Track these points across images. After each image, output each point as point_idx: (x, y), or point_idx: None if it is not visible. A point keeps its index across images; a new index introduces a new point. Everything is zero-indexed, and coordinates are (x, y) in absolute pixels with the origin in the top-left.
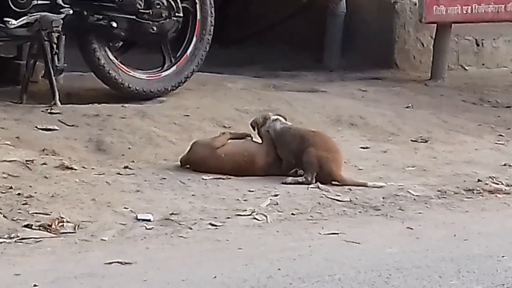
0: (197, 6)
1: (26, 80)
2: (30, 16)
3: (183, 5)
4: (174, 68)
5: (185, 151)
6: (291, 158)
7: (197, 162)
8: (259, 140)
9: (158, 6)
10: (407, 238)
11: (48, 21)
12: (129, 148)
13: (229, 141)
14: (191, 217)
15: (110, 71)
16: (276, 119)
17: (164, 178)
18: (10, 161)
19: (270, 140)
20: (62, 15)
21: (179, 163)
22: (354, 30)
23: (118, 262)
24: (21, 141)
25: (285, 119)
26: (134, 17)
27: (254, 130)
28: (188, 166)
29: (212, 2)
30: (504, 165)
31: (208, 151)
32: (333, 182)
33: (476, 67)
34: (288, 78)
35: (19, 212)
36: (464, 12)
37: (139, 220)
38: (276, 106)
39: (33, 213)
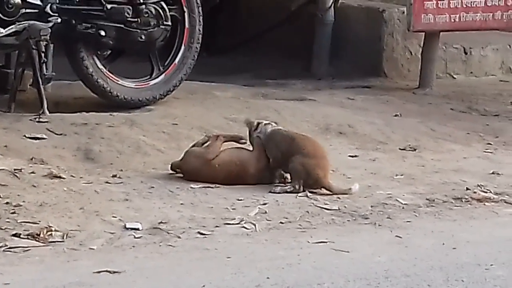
0: (185, 14)
1: (14, 89)
2: (18, 24)
3: (172, 13)
4: (162, 76)
5: (179, 158)
6: (279, 158)
7: (190, 172)
8: (250, 143)
9: (146, 15)
10: (396, 246)
11: (36, 29)
12: (118, 156)
13: (223, 148)
14: (180, 225)
15: (98, 80)
16: (268, 123)
17: (153, 187)
18: None
19: (260, 146)
20: (50, 24)
21: (169, 169)
22: (342, 38)
23: (106, 271)
24: (9, 149)
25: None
26: (122, 25)
27: (248, 129)
28: (176, 172)
29: (201, 11)
30: (493, 173)
31: (202, 162)
32: (321, 190)
33: (464, 75)
34: (277, 86)
35: (7, 221)
36: (452, 20)
37: (127, 229)
38: (265, 115)
39: (22, 222)
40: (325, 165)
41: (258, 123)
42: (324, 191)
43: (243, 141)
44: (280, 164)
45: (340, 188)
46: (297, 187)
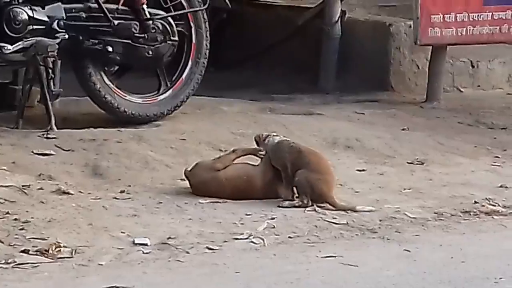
0: (192, 30)
1: (22, 105)
2: (26, 41)
3: (179, 29)
4: (170, 92)
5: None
6: (287, 169)
7: (197, 186)
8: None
9: (154, 30)
10: (404, 260)
11: (43, 46)
12: (126, 172)
13: (233, 163)
14: (188, 241)
15: (106, 96)
16: (276, 135)
17: (161, 202)
18: (7, 186)
19: (266, 159)
20: (58, 40)
21: (176, 184)
22: (349, 52)
23: (115, 286)
24: (17, 166)
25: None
26: (129, 41)
27: (257, 144)
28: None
29: (208, 26)
30: (501, 186)
31: (209, 174)
32: (326, 205)
33: (471, 88)
34: (284, 101)
35: (16, 238)
36: (459, 34)
37: (136, 244)
38: (272, 129)
39: (30, 238)
40: (330, 181)
41: (267, 135)
42: (329, 206)
43: (262, 153)
44: (290, 177)
45: (343, 205)
46: (305, 201)
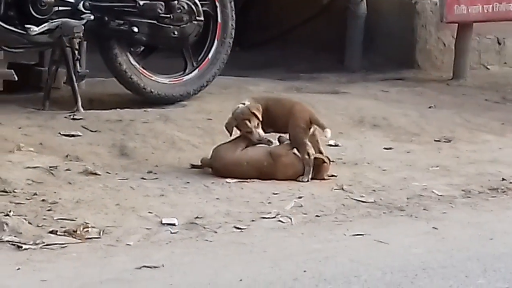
0: (218, 9)
1: (48, 86)
2: (52, 22)
3: (204, 9)
4: (196, 72)
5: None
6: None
7: (220, 169)
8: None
9: (179, 10)
10: (433, 238)
11: (69, 27)
12: (153, 152)
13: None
14: (216, 220)
15: (132, 76)
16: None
17: (188, 182)
18: (34, 167)
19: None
20: (83, 21)
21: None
22: (375, 31)
23: (144, 266)
24: (44, 147)
25: None
26: (155, 21)
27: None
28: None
29: (233, 6)
30: None
31: (235, 155)
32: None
33: (498, 66)
34: (310, 80)
35: (44, 218)
36: (485, 11)
37: (163, 224)
38: None
39: (58, 219)
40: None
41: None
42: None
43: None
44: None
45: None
46: (306, 157)
